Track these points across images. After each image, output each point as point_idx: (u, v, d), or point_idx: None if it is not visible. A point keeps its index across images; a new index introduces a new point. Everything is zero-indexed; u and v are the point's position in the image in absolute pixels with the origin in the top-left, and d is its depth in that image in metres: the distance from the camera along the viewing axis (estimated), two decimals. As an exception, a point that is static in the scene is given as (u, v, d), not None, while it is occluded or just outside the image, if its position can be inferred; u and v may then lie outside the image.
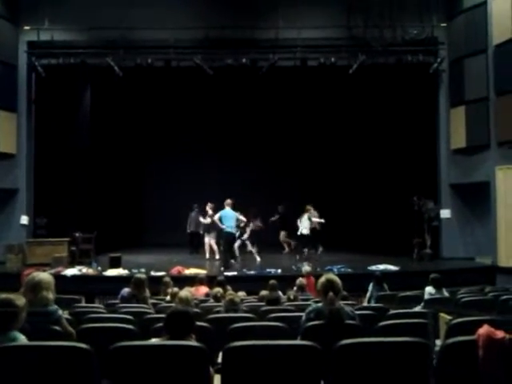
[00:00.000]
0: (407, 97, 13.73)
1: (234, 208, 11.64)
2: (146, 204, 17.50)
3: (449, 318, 4.33)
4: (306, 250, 12.66)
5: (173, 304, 5.52)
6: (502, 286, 9.50)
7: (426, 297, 6.43)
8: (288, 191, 16.58)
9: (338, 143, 16.86)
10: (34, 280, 3.78)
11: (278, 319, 4.24)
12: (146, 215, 17.41)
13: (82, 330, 3.85)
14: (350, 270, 10.45)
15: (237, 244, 12.73)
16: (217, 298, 6.11)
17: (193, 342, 2.93)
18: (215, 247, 12.86)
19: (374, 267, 10.53)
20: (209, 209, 12.65)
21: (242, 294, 7.15)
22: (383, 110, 15.03)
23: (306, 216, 12.71)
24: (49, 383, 2.72)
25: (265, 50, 12.55)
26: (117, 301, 6.00)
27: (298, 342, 3.30)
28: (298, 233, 12.76)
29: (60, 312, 3.77)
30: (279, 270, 10.38)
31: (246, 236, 13.12)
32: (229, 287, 7.28)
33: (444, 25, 12.77)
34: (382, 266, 10.59)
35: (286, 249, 14.57)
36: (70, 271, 10.20)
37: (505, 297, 6.12)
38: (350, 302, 5.68)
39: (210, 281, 7.85)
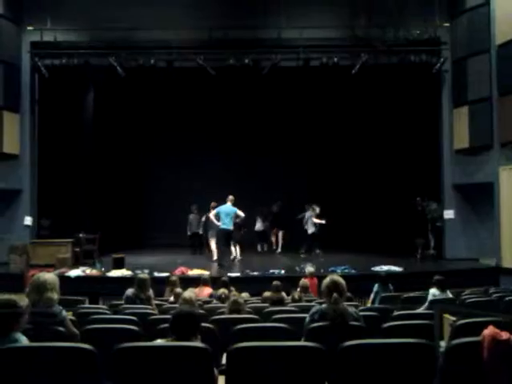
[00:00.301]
0: (410, 97, 13.70)
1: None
2: (150, 205, 17.48)
3: (453, 319, 4.31)
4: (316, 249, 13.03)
5: (177, 305, 5.52)
6: (506, 287, 9.46)
7: (430, 298, 6.40)
8: (291, 192, 16.56)
9: (340, 143, 16.83)
10: (39, 280, 3.79)
11: (281, 320, 4.23)
12: (149, 216, 17.40)
13: (86, 331, 3.86)
14: (353, 270, 10.42)
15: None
16: (221, 299, 6.11)
17: (197, 343, 2.93)
18: (213, 247, 12.85)
19: (377, 268, 10.50)
20: (212, 208, 12.67)
21: (245, 294, 7.15)
22: (386, 110, 15.01)
23: (307, 215, 13.16)
24: (53, 384, 2.72)
25: (267, 50, 12.52)
26: (120, 301, 6.01)
27: (301, 343, 3.30)
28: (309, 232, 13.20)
29: (64, 313, 3.78)
30: (283, 271, 10.36)
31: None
32: (232, 288, 7.28)
33: (447, 25, 12.73)
34: (385, 267, 10.54)
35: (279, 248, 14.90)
36: (74, 272, 10.20)
37: (509, 298, 6.11)
38: (353, 303, 5.67)
39: (214, 282, 7.85)
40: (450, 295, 6.57)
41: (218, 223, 11.27)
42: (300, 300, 6.25)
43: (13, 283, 8.91)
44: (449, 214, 12.78)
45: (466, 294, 6.92)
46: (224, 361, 3.00)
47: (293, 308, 5.40)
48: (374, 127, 15.70)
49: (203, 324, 3.62)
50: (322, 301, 4.91)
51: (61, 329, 3.57)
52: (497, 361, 2.65)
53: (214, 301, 6.45)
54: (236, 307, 4.83)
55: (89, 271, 10.41)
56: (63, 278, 9.52)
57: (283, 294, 6.77)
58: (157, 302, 6.14)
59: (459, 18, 12.63)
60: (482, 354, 2.68)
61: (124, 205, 15.81)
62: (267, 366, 2.74)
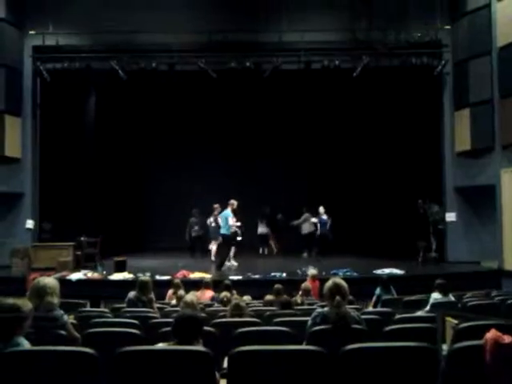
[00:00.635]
0: (411, 99, 13.71)
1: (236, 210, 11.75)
2: (151, 208, 17.50)
3: (455, 322, 4.30)
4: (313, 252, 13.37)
5: (178, 308, 5.52)
6: (508, 290, 9.44)
7: (432, 302, 6.38)
8: (292, 195, 16.55)
9: (342, 146, 16.83)
10: (39, 285, 3.79)
11: (283, 324, 4.22)
12: (150, 219, 17.40)
13: (88, 335, 3.85)
14: (355, 273, 10.40)
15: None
16: (223, 303, 6.10)
17: (198, 347, 2.92)
18: (214, 250, 12.94)
19: (379, 271, 10.48)
20: (216, 211, 12.73)
21: (247, 298, 7.15)
22: (387, 113, 15.02)
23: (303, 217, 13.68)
24: (55, 388, 2.71)
25: (268, 53, 12.55)
26: (122, 305, 6.01)
27: (303, 346, 3.29)
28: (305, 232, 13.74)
29: (66, 317, 3.78)
30: (284, 274, 10.35)
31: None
32: (234, 291, 7.27)
33: (448, 27, 12.74)
34: (387, 270, 10.53)
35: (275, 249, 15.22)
36: (75, 275, 10.21)
37: (511, 301, 6.08)
38: (355, 306, 5.66)
39: (216, 285, 7.84)
40: (453, 299, 6.54)
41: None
42: (302, 304, 6.24)
43: (15, 287, 8.92)
44: (451, 216, 12.76)
45: (467, 297, 6.90)
46: (225, 364, 2.99)
47: (294, 311, 5.39)
48: (376, 130, 15.70)
49: (204, 327, 3.61)
50: (323, 304, 4.90)
51: (62, 333, 3.57)
52: (499, 364, 2.65)
53: (216, 304, 6.44)
54: (238, 311, 4.82)
55: (90, 274, 10.42)
56: (64, 282, 9.52)
57: (285, 297, 6.75)
58: (158, 305, 6.14)
59: (460, 20, 12.64)
60: (485, 357, 2.67)
61: (125, 208, 15.83)
62: (269, 369, 2.73)
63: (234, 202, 11.57)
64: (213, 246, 13.07)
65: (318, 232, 13.61)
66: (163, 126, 17.03)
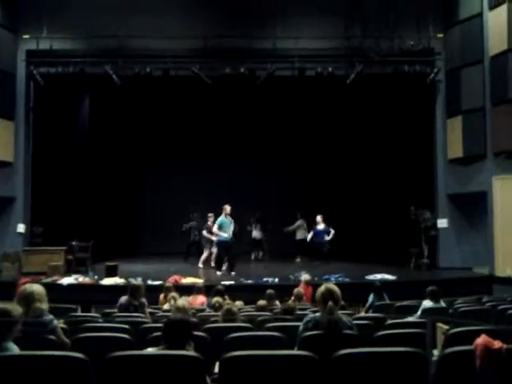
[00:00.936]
0: (404, 107, 13.79)
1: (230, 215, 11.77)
2: (143, 213, 17.44)
3: (446, 327, 4.31)
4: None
5: (170, 313, 5.49)
6: (499, 295, 9.48)
7: (422, 308, 6.39)
8: (286, 200, 16.57)
9: (335, 153, 16.87)
10: (26, 291, 3.78)
11: (275, 329, 4.22)
12: (142, 224, 17.35)
13: (78, 340, 3.83)
14: (347, 279, 10.42)
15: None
16: (215, 308, 6.08)
17: (189, 352, 2.91)
18: (206, 254, 12.93)
19: (371, 277, 10.52)
20: (210, 222, 12.65)
21: (239, 303, 7.12)
22: (380, 120, 15.08)
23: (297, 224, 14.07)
24: (44, 393, 2.69)
25: (262, 59, 12.60)
26: (113, 310, 5.98)
27: (295, 352, 3.28)
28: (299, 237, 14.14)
29: (55, 322, 3.75)
30: (276, 279, 10.34)
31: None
32: (226, 297, 7.25)
33: (440, 35, 12.86)
34: (379, 276, 10.57)
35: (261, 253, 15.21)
36: (66, 280, 10.14)
37: (502, 307, 6.11)
38: (347, 312, 5.66)
39: (208, 290, 7.81)
40: (444, 305, 6.56)
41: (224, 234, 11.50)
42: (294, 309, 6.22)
43: (5, 291, 8.84)
44: (442, 223, 12.83)
45: (459, 303, 6.92)
46: (217, 369, 2.98)
47: (286, 316, 5.38)
48: (369, 136, 15.76)
49: (196, 332, 3.60)
50: (315, 309, 4.90)
51: (51, 337, 3.55)
52: (489, 369, 2.66)
53: (208, 309, 6.42)
54: (229, 316, 4.81)
55: (81, 279, 10.35)
56: (55, 286, 9.49)
57: (277, 302, 6.75)
58: (150, 310, 6.11)
59: (453, 28, 12.77)
60: (475, 362, 2.68)
61: (117, 213, 15.76)
62: (260, 374, 2.73)
63: (226, 207, 11.57)
64: (204, 254, 13.04)
65: (308, 240, 13.62)
66: (157, 131, 16.99)
